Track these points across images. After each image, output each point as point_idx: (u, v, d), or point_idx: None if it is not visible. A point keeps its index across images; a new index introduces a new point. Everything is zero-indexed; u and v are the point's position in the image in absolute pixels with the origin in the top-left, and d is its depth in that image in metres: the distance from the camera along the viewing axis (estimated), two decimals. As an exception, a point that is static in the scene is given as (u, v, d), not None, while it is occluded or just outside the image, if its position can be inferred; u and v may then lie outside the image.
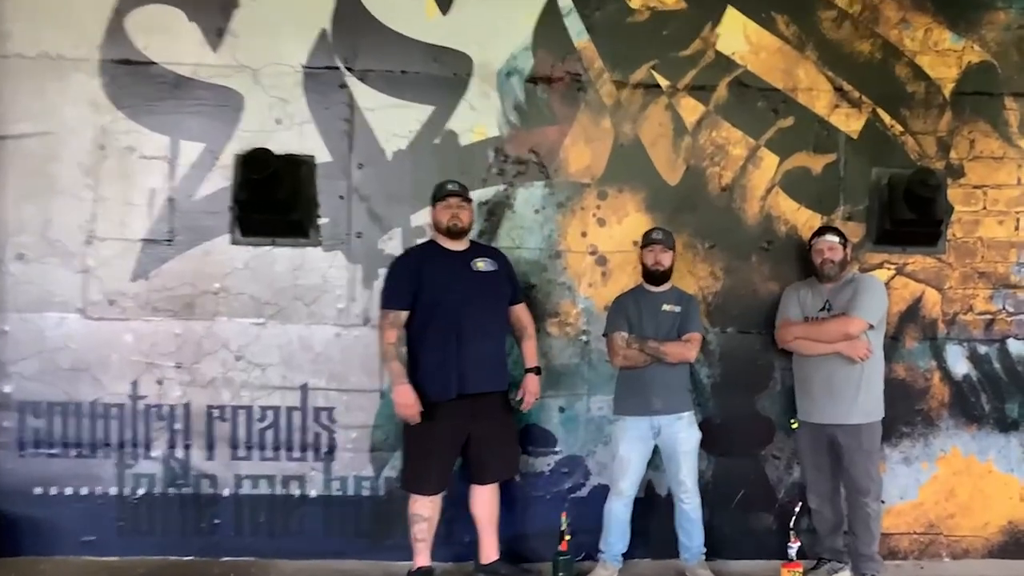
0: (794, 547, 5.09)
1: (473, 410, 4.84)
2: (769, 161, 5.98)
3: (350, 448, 5.51)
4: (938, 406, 6.02)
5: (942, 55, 6.06)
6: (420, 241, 5.38)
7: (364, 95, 5.62)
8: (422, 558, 4.90)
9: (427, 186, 5.45)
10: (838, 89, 6.02)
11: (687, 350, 5.18)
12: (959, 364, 6.04)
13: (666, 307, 5.21)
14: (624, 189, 5.86)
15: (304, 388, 5.55)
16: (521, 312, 5.24)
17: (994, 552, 6.05)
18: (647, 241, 5.25)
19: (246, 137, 5.41)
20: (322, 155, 5.55)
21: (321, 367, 5.52)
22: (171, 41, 5.40)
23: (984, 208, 6.09)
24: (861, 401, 5.14)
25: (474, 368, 4.85)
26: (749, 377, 5.92)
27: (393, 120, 5.60)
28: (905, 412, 5.77)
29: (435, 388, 4.79)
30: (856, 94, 6.03)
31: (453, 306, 4.83)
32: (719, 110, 5.94)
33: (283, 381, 5.50)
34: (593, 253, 5.81)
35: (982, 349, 6.05)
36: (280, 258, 5.49)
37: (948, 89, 6.06)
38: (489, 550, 5.09)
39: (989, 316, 6.06)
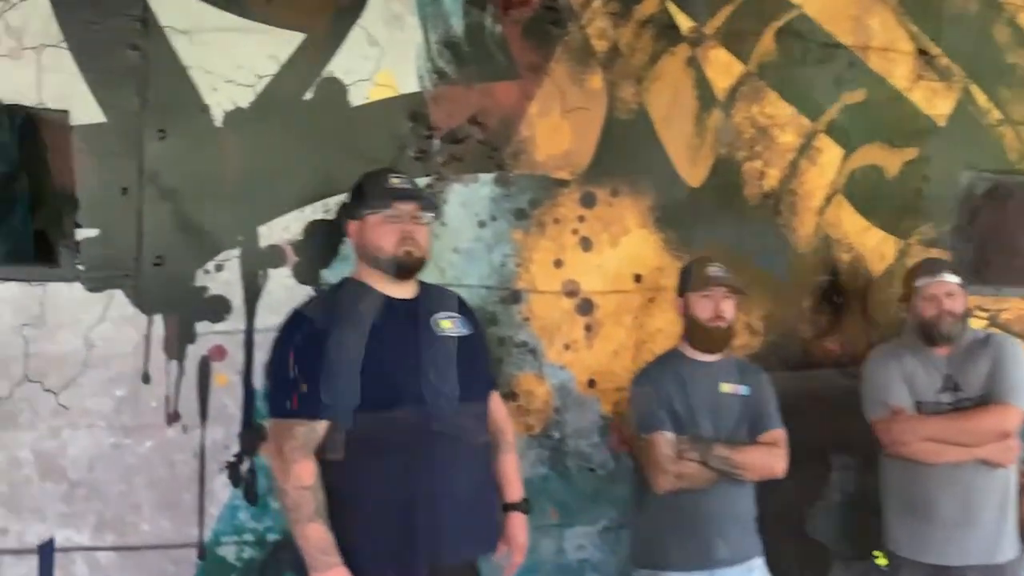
0: None
1: None
2: (830, 155, 2.84)
3: None
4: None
5: (1060, 7, 2.93)
6: (316, 283, 2.27)
7: (171, 6, 2.14)
8: None
9: (289, 177, 2.18)
10: (923, 53, 2.92)
11: (775, 460, 2.34)
12: (1068, 456, 2.89)
13: (726, 387, 2.36)
14: (621, 191, 2.57)
15: (47, 548, 2.13)
16: (496, 405, 2.15)
17: None
18: (701, 280, 2.33)
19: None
20: (85, 111, 2.11)
21: (83, 507, 2.08)
22: None
23: None
24: (1008, 529, 2.48)
25: (456, 523, 1.89)
26: (796, 483, 2.65)
27: (228, 55, 2.22)
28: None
29: (384, 567, 1.84)
30: (945, 61, 2.89)
31: (417, 411, 1.85)
32: (764, 72, 2.66)
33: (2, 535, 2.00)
34: (573, 294, 2.52)
35: (1094, 433, 2.89)
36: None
37: None
38: None
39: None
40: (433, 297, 2.04)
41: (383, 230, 1.93)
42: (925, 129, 2.99)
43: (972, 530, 2.49)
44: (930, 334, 2.57)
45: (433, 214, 2.08)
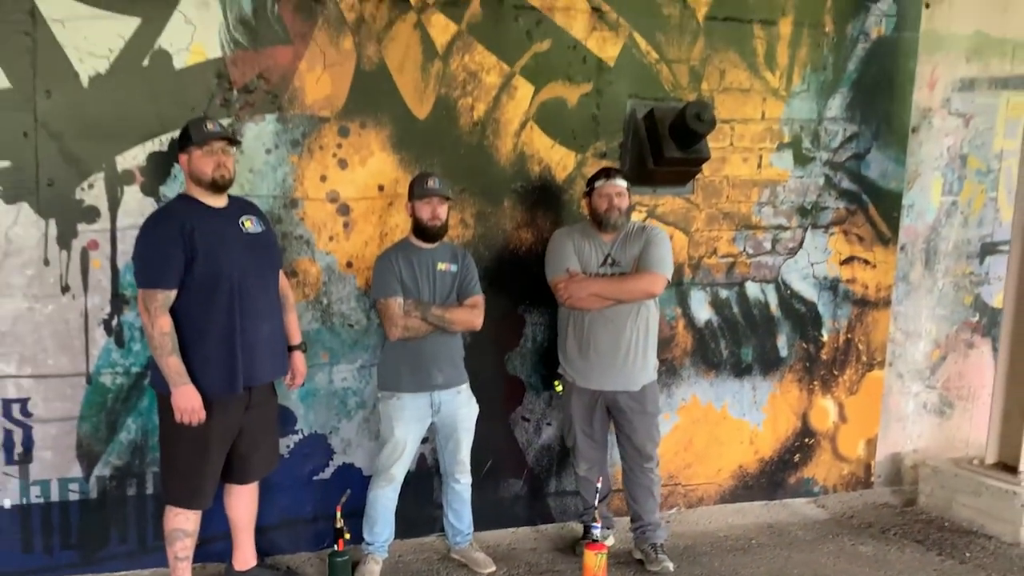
0: (598, 527, 4.99)
1: (249, 401, 4.41)
2: (524, 91, 5.67)
3: (51, 446, 4.82)
4: (681, 355, 6.17)
5: (696, -27, 5.77)
6: (162, 197, 4.92)
7: (49, 1, 4.68)
8: None
9: (135, 121, 4.79)
10: (596, 9, 5.75)
11: (474, 317, 4.97)
12: (702, 310, 6.22)
13: (442, 266, 4.90)
14: (368, 124, 5.33)
15: None
16: (284, 280, 4.68)
17: (725, 497, 6.41)
18: (423, 191, 4.80)
19: None
20: None
21: (9, 349, 4.69)
22: None
23: (731, 144, 6.17)
24: (648, 363, 5.19)
25: (261, 356, 4.42)
26: (499, 334, 5.70)
27: (89, 35, 4.66)
28: (653, 363, 5.64)
29: (217, 384, 4.28)
30: (614, 16, 5.79)
31: (233, 280, 4.27)
32: (472, 31, 5.50)
33: (-43, 370, 4.57)
34: (334, 200, 5.32)
35: (723, 293, 6.25)
36: (-57, 213, 4.46)
37: (702, 13, 5.98)
38: (246, 555, 4.80)
39: (731, 259, 6.24)
40: (238, 206, 4.66)
41: (204, 160, 4.34)
42: (598, 68, 5.85)
43: (620, 364, 5.27)
44: (601, 222, 5.28)
45: (237, 147, 4.76)
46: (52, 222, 4.80)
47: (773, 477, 6.55)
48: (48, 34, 4.68)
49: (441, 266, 4.96)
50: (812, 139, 6.39)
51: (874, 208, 6.61)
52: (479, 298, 5.01)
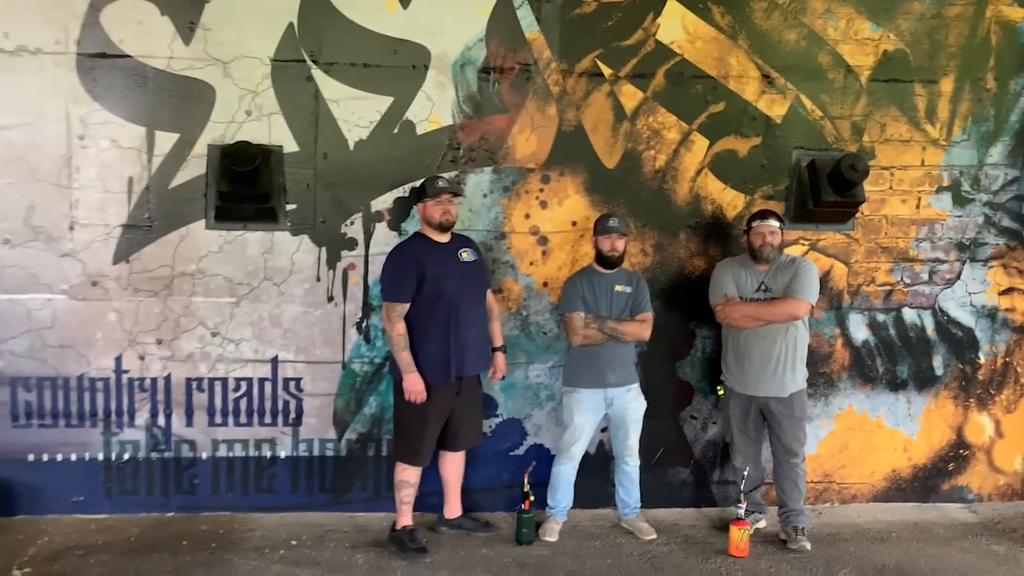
0: (742, 507, 6.06)
1: (459, 388, 5.83)
2: (700, 144, 7.01)
3: (315, 414, 6.57)
4: (839, 369, 7.28)
5: (861, 44, 7.03)
6: (399, 236, 6.66)
7: (329, 87, 6.39)
8: (406, 519, 5.90)
9: (385, 174, 6.56)
10: (765, 76, 7.03)
11: (642, 330, 6.20)
12: (859, 331, 7.29)
13: (618, 288, 6.13)
14: (565, 173, 6.84)
15: (274, 361, 6.54)
16: (490, 296, 6.09)
17: (877, 497, 7.46)
18: (604, 229, 6.08)
19: (218, 128, 6.14)
20: (290, 145, 6.33)
21: (289, 342, 6.44)
22: (145, 34, 6.00)
23: (890, 188, 7.23)
24: (796, 374, 6.18)
25: (469, 354, 5.85)
26: (672, 346, 7.07)
27: (356, 111, 6.35)
28: (811, 375, 6.46)
29: (435, 374, 5.75)
30: (782, 81, 7.04)
31: (450, 297, 5.71)
32: (656, 97, 6.90)
33: (255, 355, 6.45)
34: (535, 233, 6.83)
35: (880, 317, 7.32)
36: (252, 242, 6.31)
37: (864, 76, 7.11)
38: (454, 507, 6.28)
39: (888, 287, 7.30)
40: (458, 240, 6.30)
41: (434, 208, 6.15)
42: (766, 124, 7.12)
43: (771, 374, 6.49)
44: (756, 256, 6.56)
45: (461, 196, 6.48)
46: (323, 249, 6.61)
47: (926, 482, 7.20)
48: (327, 111, 6.52)
49: (618, 288, 6.17)
50: (972, 183, 7.30)
51: (1036, 244, 7.22)
52: (648, 315, 6.19)
